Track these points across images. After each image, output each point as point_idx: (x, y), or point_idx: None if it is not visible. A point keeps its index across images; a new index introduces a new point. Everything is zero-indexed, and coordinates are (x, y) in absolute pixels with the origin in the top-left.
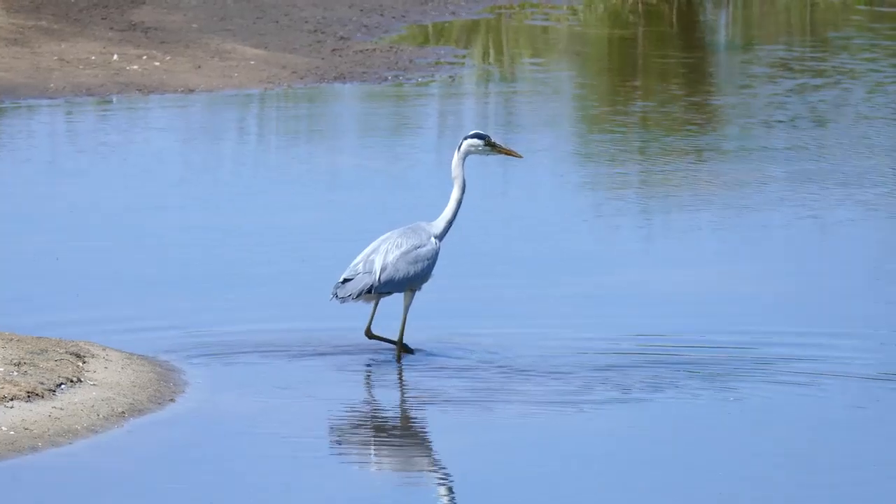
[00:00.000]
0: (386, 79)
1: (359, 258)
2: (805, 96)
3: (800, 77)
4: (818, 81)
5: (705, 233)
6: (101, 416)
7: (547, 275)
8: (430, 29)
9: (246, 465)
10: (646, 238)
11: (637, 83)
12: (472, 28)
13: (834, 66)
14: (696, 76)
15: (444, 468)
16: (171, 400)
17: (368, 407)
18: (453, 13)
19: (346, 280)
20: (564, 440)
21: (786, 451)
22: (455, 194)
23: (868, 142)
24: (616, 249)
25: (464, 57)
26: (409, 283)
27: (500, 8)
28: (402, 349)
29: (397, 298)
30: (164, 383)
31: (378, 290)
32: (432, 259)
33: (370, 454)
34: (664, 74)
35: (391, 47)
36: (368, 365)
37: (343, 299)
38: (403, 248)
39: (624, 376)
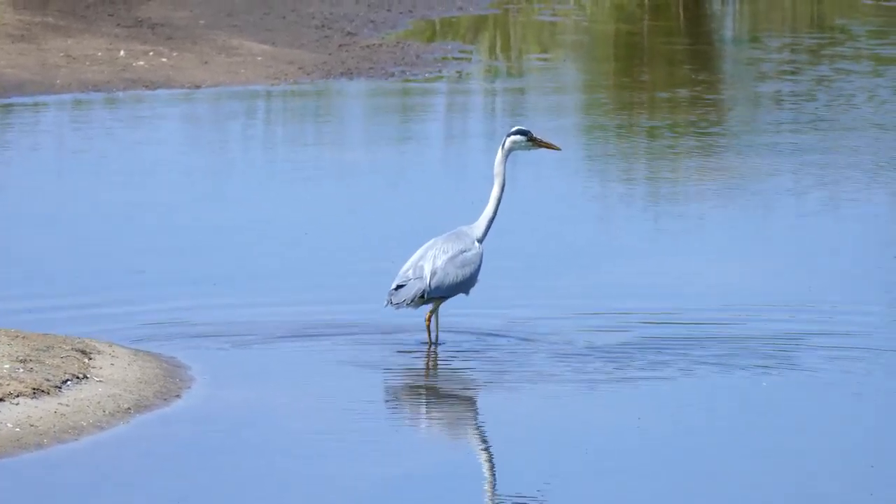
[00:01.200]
0: (393, 74)
1: (407, 265)
2: (811, 88)
3: (806, 69)
4: (824, 72)
5: (714, 222)
6: (106, 412)
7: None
8: (438, 24)
9: (252, 461)
10: (663, 225)
11: (644, 78)
12: (479, 23)
13: (840, 59)
14: (702, 69)
15: (455, 459)
16: (178, 396)
17: (376, 401)
18: (460, 8)
19: (399, 287)
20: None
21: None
22: (496, 192)
23: (876, 133)
24: (639, 237)
25: (471, 52)
26: (458, 287)
27: (507, 3)
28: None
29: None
30: (171, 379)
31: (430, 295)
32: (478, 263)
33: (378, 449)
34: (671, 68)
35: (398, 43)
36: (378, 358)
37: (398, 305)
38: (450, 253)
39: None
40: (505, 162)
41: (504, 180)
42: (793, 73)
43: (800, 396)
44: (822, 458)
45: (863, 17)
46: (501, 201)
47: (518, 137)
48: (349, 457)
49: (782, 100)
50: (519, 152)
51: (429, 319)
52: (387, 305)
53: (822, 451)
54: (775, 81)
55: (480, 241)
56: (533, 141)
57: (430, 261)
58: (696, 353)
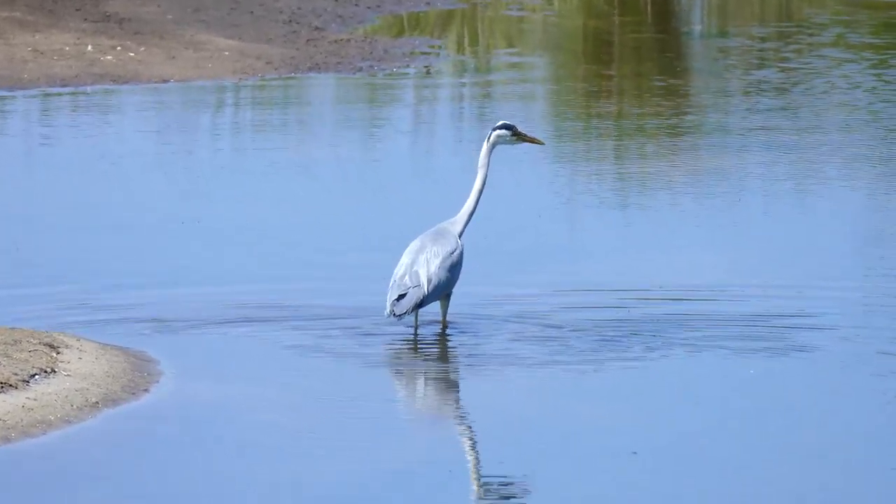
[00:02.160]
0: (360, 69)
1: (401, 270)
2: (779, 81)
3: (774, 63)
4: (792, 65)
5: (688, 211)
6: (74, 406)
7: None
8: (406, 19)
9: (220, 454)
10: (633, 215)
11: (612, 72)
12: (447, 18)
13: (809, 52)
14: (671, 64)
15: (435, 453)
16: (146, 390)
17: (344, 392)
18: (428, 3)
19: (400, 296)
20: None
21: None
22: (477, 185)
23: (846, 122)
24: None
25: (439, 47)
26: (448, 287)
27: None
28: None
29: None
30: (139, 373)
31: (427, 301)
32: (461, 261)
33: (347, 441)
34: (639, 62)
35: (366, 38)
36: (351, 348)
37: (401, 316)
38: (441, 256)
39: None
40: (489, 155)
41: (486, 174)
42: (760, 65)
43: (790, 378)
44: (811, 439)
45: (831, 10)
46: (482, 195)
47: (503, 132)
48: (319, 451)
49: (750, 91)
50: (502, 146)
51: (444, 320)
52: (389, 316)
53: (812, 432)
54: (744, 73)
55: (460, 236)
56: (518, 136)
57: (423, 266)
58: (680, 335)
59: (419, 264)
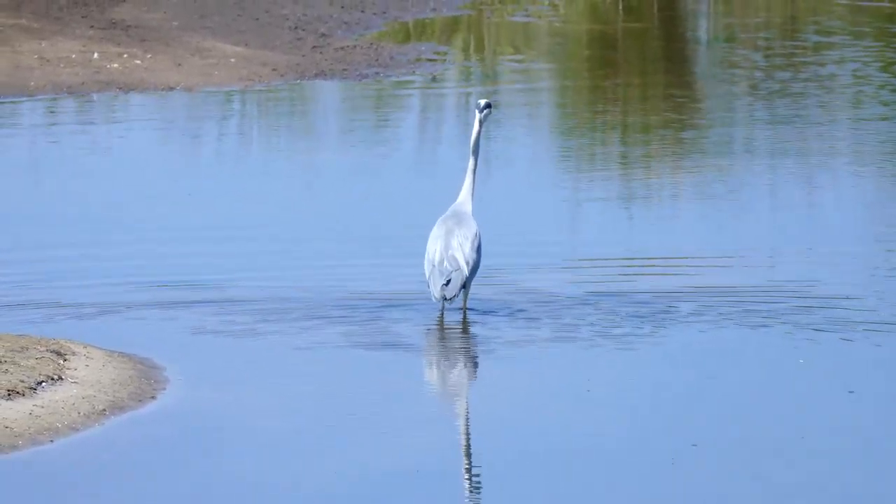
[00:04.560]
0: (366, 76)
1: (437, 257)
2: (785, 88)
3: (780, 69)
4: (799, 74)
5: (689, 211)
6: (81, 413)
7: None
8: (412, 26)
9: (227, 461)
10: (638, 216)
11: (618, 80)
12: (453, 24)
13: (814, 58)
14: (676, 70)
15: (435, 460)
16: (152, 397)
17: (349, 397)
18: (434, 10)
19: (448, 282)
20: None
21: None
22: (471, 166)
23: (853, 131)
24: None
25: (445, 53)
26: (478, 268)
27: (481, 4)
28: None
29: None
30: (146, 380)
31: (469, 282)
32: (482, 242)
33: (352, 447)
34: (644, 68)
35: (372, 44)
36: (347, 354)
37: (451, 299)
38: (470, 239)
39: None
40: (480, 133)
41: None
42: (766, 70)
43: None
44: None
45: (837, 16)
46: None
47: (488, 110)
48: (326, 455)
49: (756, 97)
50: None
51: (465, 305)
52: (440, 300)
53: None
54: (750, 79)
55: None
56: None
57: (458, 250)
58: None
59: (454, 248)
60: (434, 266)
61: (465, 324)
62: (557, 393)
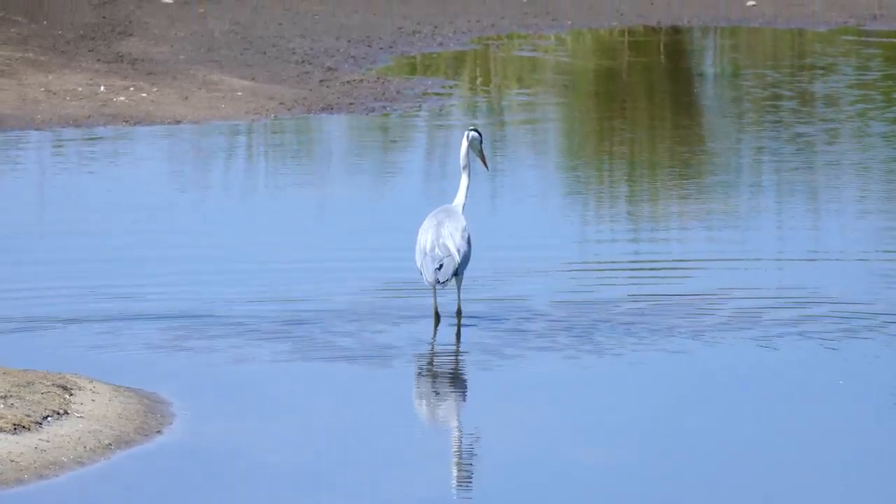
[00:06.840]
0: (373, 109)
1: (428, 245)
2: (792, 126)
3: (786, 107)
4: (805, 109)
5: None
6: (87, 448)
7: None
8: (418, 60)
9: (232, 496)
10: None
11: (624, 115)
12: (459, 59)
13: (821, 95)
14: (683, 107)
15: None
16: (158, 431)
17: (354, 430)
18: (441, 44)
19: (440, 266)
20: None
21: None
22: (464, 181)
23: (859, 167)
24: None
25: (451, 88)
26: (468, 260)
27: (487, 39)
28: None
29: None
30: (152, 415)
31: (460, 270)
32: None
33: (357, 481)
34: (651, 105)
35: (378, 78)
36: (348, 386)
37: (444, 283)
38: (459, 230)
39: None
40: (469, 155)
41: (470, 170)
42: (774, 108)
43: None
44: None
45: (843, 53)
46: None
47: (476, 134)
48: (332, 491)
49: (763, 136)
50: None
51: (459, 310)
52: (433, 283)
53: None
54: (757, 115)
55: None
56: (480, 150)
57: (449, 238)
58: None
59: (444, 237)
60: (426, 253)
61: (460, 332)
62: (573, 416)
